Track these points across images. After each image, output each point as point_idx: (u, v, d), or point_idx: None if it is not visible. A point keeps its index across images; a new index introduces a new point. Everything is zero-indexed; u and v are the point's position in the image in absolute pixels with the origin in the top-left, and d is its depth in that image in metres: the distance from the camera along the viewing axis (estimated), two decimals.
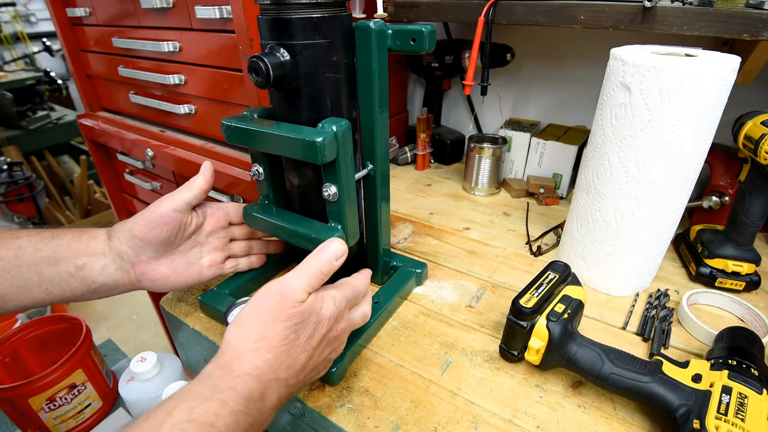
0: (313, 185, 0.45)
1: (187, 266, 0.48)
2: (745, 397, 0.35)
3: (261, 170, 0.47)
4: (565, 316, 0.42)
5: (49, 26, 3.17)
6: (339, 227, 0.43)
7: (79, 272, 0.42)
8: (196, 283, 0.49)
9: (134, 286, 0.46)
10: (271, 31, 0.39)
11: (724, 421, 0.33)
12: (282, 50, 0.38)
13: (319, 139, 0.36)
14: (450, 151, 0.97)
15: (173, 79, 0.80)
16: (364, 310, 0.41)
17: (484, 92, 0.70)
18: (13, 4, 3.15)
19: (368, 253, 0.54)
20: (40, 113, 2.22)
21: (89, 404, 0.70)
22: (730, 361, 0.39)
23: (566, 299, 0.44)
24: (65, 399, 0.67)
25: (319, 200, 0.43)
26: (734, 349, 0.40)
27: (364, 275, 0.42)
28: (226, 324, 0.46)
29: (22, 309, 0.43)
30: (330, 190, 0.41)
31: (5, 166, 1.72)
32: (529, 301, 0.43)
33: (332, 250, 0.38)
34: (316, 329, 0.35)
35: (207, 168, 0.47)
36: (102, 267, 0.43)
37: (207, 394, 0.29)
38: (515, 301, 0.43)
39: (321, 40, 0.38)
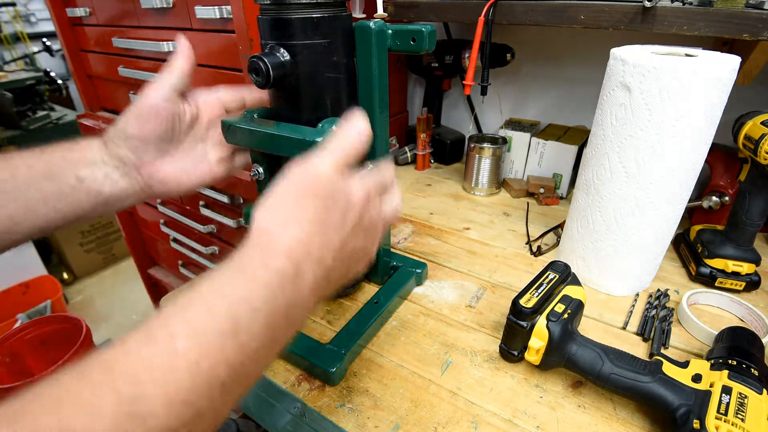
0: None
1: (195, 164, 0.44)
2: (745, 397, 0.35)
3: (261, 170, 0.47)
4: (565, 316, 0.42)
5: (49, 26, 3.17)
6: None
7: (82, 185, 0.40)
8: (211, 182, 0.46)
9: (146, 193, 0.43)
10: (272, 31, 0.39)
11: (724, 421, 0.33)
12: (282, 50, 0.38)
13: (320, 139, 0.36)
14: (450, 151, 0.97)
15: None
16: (395, 201, 0.38)
17: (484, 92, 0.70)
18: (13, 4, 3.15)
19: None
20: (40, 113, 2.22)
21: None
22: (730, 361, 0.39)
23: (566, 299, 0.44)
24: None
25: None
26: (734, 349, 0.40)
27: (390, 165, 0.39)
28: None
29: (37, 232, 0.41)
30: None
31: None
32: (529, 301, 0.43)
33: (354, 127, 0.34)
34: (347, 211, 0.32)
35: (184, 45, 0.42)
36: (104, 176, 0.40)
37: (238, 272, 0.26)
38: (515, 301, 0.43)
39: (321, 40, 0.38)
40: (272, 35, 0.39)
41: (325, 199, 0.31)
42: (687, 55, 0.46)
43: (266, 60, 0.37)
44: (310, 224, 0.29)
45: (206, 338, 0.22)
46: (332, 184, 0.32)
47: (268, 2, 0.37)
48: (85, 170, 0.40)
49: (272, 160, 0.47)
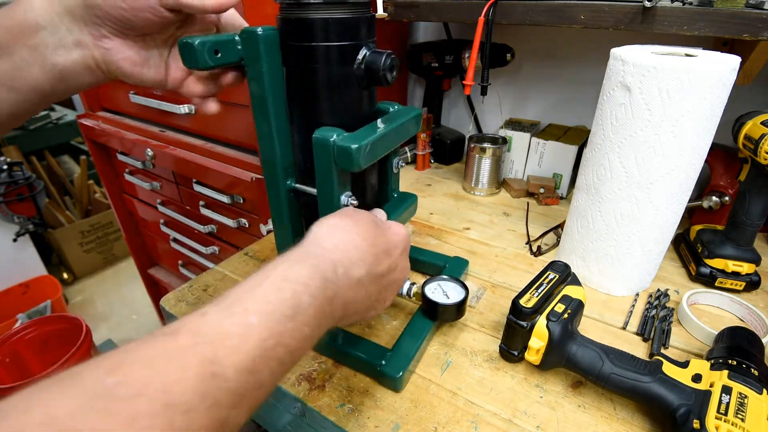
0: None
1: (155, 60, 0.40)
2: (745, 397, 0.35)
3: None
4: (565, 316, 0.42)
5: None
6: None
7: (34, 55, 0.36)
8: (168, 86, 0.41)
9: (103, 72, 0.39)
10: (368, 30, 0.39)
11: (724, 421, 0.33)
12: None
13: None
14: (450, 151, 0.97)
15: None
16: (406, 265, 0.41)
17: (484, 92, 0.70)
18: None
19: None
20: (40, 113, 2.22)
21: None
22: (730, 361, 0.39)
23: (566, 299, 0.44)
24: None
25: None
26: (734, 349, 0.40)
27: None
28: None
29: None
30: None
31: (5, 166, 1.72)
32: (529, 301, 0.43)
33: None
34: (388, 251, 0.36)
35: None
36: (57, 43, 0.36)
37: (300, 262, 0.29)
38: (515, 301, 0.43)
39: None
40: (366, 34, 0.39)
41: (380, 251, 0.35)
42: (687, 55, 0.46)
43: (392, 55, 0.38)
44: (358, 260, 0.33)
45: (274, 317, 0.25)
46: (390, 238, 0.37)
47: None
48: (34, 38, 0.36)
49: None
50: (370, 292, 0.35)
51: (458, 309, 0.47)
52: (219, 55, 0.35)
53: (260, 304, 0.25)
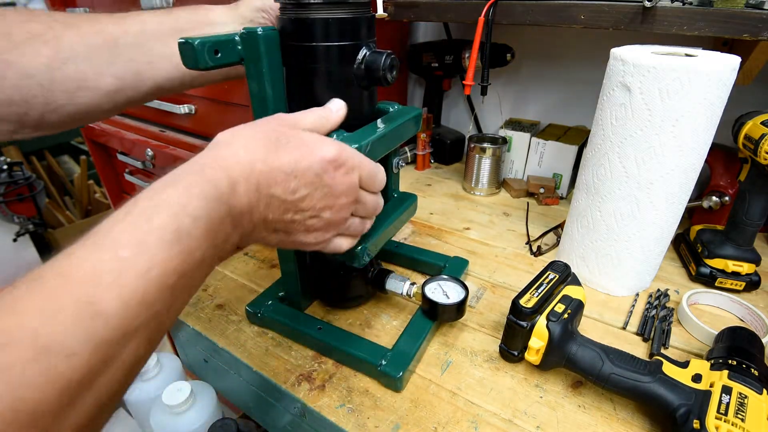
0: None
1: None
2: (745, 397, 0.35)
3: None
4: (565, 316, 0.42)
5: None
6: None
7: None
8: None
9: None
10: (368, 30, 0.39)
11: (724, 421, 0.33)
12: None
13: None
14: (450, 151, 0.97)
15: None
16: (378, 199, 0.38)
17: (484, 92, 0.70)
18: (13, 4, 3.15)
19: None
20: None
21: None
22: (730, 361, 0.39)
23: (566, 299, 0.44)
24: None
25: None
26: (734, 349, 0.40)
27: (380, 168, 0.37)
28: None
29: (156, 91, 0.43)
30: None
31: (5, 166, 1.72)
32: (529, 301, 0.43)
33: (333, 103, 0.37)
34: (302, 159, 0.31)
35: None
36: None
37: (174, 184, 0.27)
38: (515, 301, 0.43)
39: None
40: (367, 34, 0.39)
41: (280, 136, 0.32)
42: (687, 55, 0.46)
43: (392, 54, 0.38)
44: (255, 148, 0.30)
45: (151, 247, 0.23)
46: (295, 130, 0.33)
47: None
48: (208, 29, 0.42)
49: None
50: (276, 218, 0.32)
51: (458, 309, 0.47)
52: (219, 55, 0.35)
53: (131, 235, 0.23)
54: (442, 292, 0.48)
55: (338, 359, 0.47)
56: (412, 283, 0.49)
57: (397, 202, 0.50)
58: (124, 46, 0.41)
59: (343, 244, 0.38)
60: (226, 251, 0.30)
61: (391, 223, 0.46)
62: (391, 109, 0.45)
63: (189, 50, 0.34)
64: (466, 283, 0.49)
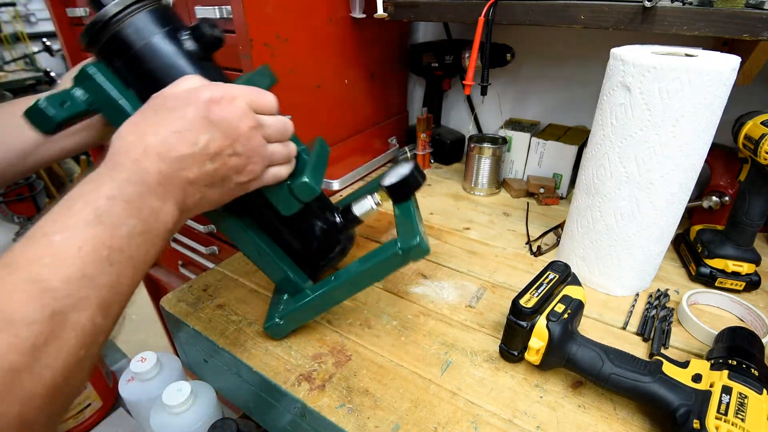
0: None
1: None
2: (745, 397, 0.35)
3: None
4: (565, 316, 0.42)
5: (49, 26, 3.16)
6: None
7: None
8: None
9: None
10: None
11: (724, 421, 0.33)
12: None
13: None
14: (450, 151, 0.97)
15: None
16: (281, 119, 0.39)
17: (484, 92, 0.70)
18: (13, 4, 3.15)
19: None
20: None
21: (89, 404, 0.70)
22: (730, 361, 0.39)
23: (566, 299, 0.44)
24: None
25: None
26: (734, 349, 0.40)
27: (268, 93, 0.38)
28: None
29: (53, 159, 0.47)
30: None
31: None
32: (529, 301, 0.43)
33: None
34: (187, 112, 0.33)
35: None
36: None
37: (87, 181, 0.31)
38: (515, 301, 0.43)
39: None
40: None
41: (160, 104, 0.34)
42: (687, 55, 0.46)
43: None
44: (145, 128, 0.33)
45: (77, 228, 0.28)
46: (171, 90, 0.35)
47: None
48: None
49: None
50: (190, 168, 0.33)
51: (417, 171, 0.46)
52: (67, 104, 0.36)
53: (59, 223, 0.28)
54: (394, 174, 0.48)
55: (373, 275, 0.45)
56: (372, 194, 0.50)
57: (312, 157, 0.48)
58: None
59: (281, 171, 0.40)
60: (165, 222, 0.33)
61: (319, 155, 0.47)
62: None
63: (36, 113, 0.35)
64: (466, 283, 0.49)
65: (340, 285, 0.45)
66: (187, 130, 0.33)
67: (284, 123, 0.39)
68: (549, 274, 0.46)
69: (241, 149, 0.35)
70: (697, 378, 0.38)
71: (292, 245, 0.49)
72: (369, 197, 0.50)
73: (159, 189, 0.32)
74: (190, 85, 0.35)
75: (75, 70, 0.44)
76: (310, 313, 0.48)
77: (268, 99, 0.38)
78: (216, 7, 0.65)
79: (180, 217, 0.34)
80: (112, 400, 0.74)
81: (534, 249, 0.66)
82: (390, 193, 0.47)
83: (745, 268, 0.55)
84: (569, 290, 0.45)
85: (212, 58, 0.42)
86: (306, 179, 0.41)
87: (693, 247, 0.60)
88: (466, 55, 0.85)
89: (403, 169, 0.47)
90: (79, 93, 0.37)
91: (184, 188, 0.33)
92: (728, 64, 0.43)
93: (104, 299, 0.28)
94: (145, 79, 0.38)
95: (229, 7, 0.64)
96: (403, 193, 0.47)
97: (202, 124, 0.33)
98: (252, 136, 0.36)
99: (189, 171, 0.33)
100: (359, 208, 0.50)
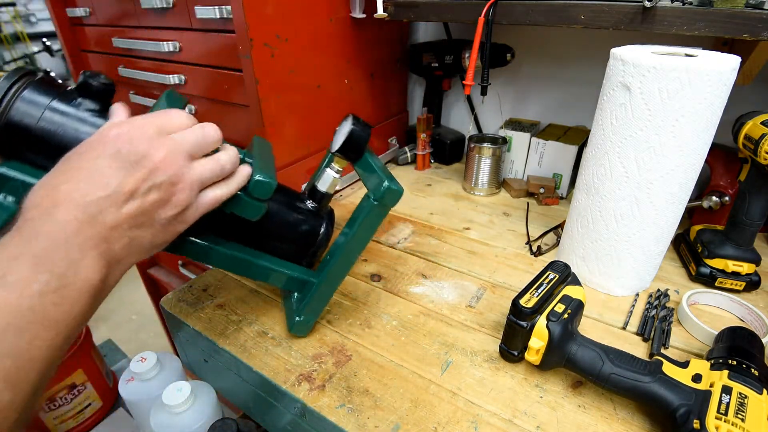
0: None
1: None
2: (745, 397, 0.35)
3: None
4: (565, 316, 0.42)
5: (49, 26, 3.17)
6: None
7: None
8: None
9: None
10: None
11: (724, 421, 0.33)
12: None
13: None
14: (450, 151, 0.97)
15: (173, 79, 0.80)
16: (199, 128, 0.36)
17: (484, 92, 0.70)
18: (13, 4, 3.15)
19: None
20: None
21: (89, 404, 0.70)
22: (730, 361, 0.39)
23: (566, 299, 0.44)
24: (65, 399, 0.67)
25: None
26: (734, 349, 0.40)
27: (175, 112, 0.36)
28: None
29: None
30: None
31: None
32: (529, 301, 0.43)
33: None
34: (91, 154, 0.31)
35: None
36: None
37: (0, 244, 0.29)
38: (515, 301, 0.43)
39: None
40: None
41: (70, 154, 0.32)
42: (687, 55, 0.46)
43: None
44: (54, 177, 0.31)
45: None
46: (81, 144, 0.33)
47: None
48: None
49: None
50: (117, 200, 0.31)
51: (361, 123, 0.46)
52: None
53: None
54: (339, 136, 0.48)
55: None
56: (329, 165, 0.50)
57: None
58: None
59: (218, 192, 0.37)
60: (87, 276, 0.30)
61: (261, 150, 0.46)
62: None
63: None
64: (466, 283, 0.49)
65: (339, 259, 0.46)
66: (99, 171, 0.31)
67: (203, 130, 0.36)
68: (549, 274, 0.46)
69: (162, 178, 0.32)
70: (697, 378, 0.38)
71: (278, 246, 0.50)
72: (328, 169, 0.51)
73: (76, 239, 0.29)
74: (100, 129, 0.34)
75: None
76: (324, 298, 0.49)
77: (175, 115, 0.35)
78: (216, 7, 0.65)
79: (109, 268, 0.31)
80: (112, 400, 0.74)
81: (534, 249, 0.66)
82: (344, 155, 0.48)
83: (745, 268, 0.55)
84: (569, 290, 0.45)
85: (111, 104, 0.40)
86: (258, 177, 0.40)
87: (693, 247, 0.60)
88: (466, 55, 0.85)
89: (345, 128, 0.47)
90: (4, 198, 0.35)
91: (106, 235, 0.31)
92: (728, 64, 0.43)
93: (7, 370, 0.25)
94: (59, 154, 0.35)
95: (229, 7, 0.64)
96: (355, 149, 0.47)
97: (114, 161, 0.31)
98: (170, 160, 0.33)
99: (108, 214, 0.31)
100: (323, 183, 0.51)
